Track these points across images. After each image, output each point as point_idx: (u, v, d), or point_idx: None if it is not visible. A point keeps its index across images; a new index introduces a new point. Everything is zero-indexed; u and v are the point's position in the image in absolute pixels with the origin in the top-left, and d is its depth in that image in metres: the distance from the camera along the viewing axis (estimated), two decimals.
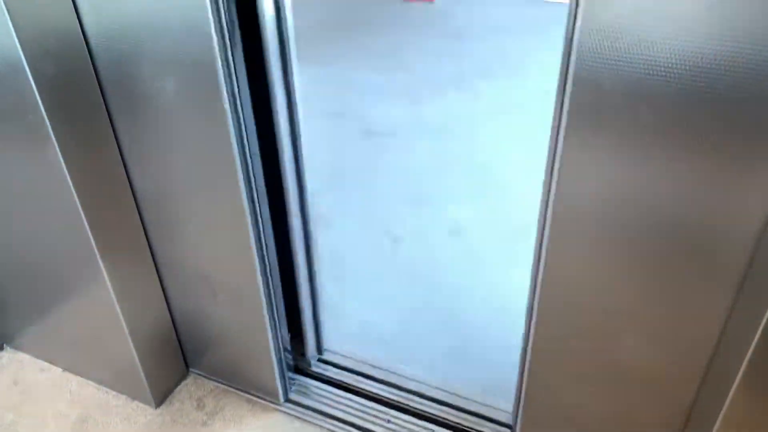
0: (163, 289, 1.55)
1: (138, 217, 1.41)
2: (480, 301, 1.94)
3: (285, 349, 1.57)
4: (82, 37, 1.16)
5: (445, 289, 1.99)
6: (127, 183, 1.36)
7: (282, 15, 1.20)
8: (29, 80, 1.10)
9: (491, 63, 3.62)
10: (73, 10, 1.13)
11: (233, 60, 1.12)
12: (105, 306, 1.43)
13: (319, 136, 2.91)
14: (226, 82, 1.12)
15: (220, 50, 1.08)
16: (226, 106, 1.14)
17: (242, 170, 1.22)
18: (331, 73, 3.57)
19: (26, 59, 1.08)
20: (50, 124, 1.15)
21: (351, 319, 1.88)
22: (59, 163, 1.19)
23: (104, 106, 1.25)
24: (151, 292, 1.52)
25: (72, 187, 1.23)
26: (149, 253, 1.48)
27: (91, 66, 1.20)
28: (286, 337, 1.59)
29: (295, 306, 1.59)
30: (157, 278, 1.52)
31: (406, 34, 4.13)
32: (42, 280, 1.53)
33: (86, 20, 1.14)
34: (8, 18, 1.04)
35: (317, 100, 3.26)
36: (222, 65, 1.10)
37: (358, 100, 3.24)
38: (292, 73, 1.26)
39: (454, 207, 2.37)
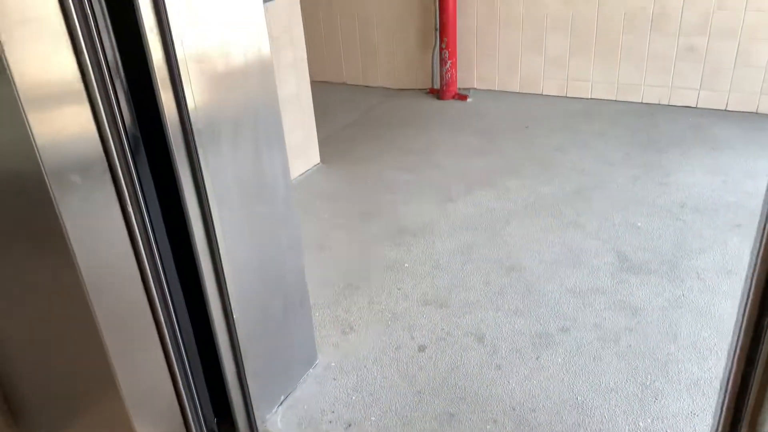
0: (178, 396, 1.55)
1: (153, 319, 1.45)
2: (502, 413, 1.86)
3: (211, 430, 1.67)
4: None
5: (469, 398, 1.92)
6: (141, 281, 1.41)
7: (185, 119, 1.30)
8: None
9: (521, 160, 3.68)
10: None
11: (135, 168, 1.26)
12: (119, 415, 1.44)
13: (347, 237, 2.97)
14: (128, 189, 1.25)
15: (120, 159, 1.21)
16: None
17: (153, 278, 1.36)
18: (364, 173, 3.69)
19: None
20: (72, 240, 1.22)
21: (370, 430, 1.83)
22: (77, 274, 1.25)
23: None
24: (168, 401, 1.53)
25: (88, 296, 1.27)
26: (165, 362, 1.50)
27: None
28: (211, 418, 1.69)
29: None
30: (172, 388, 1.53)
31: (438, 132, 4.26)
32: (59, 381, 1.57)
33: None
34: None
35: (348, 201, 3.35)
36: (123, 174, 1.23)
37: (390, 198, 3.32)
38: (202, 178, 1.38)
39: (479, 310, 2.33)
